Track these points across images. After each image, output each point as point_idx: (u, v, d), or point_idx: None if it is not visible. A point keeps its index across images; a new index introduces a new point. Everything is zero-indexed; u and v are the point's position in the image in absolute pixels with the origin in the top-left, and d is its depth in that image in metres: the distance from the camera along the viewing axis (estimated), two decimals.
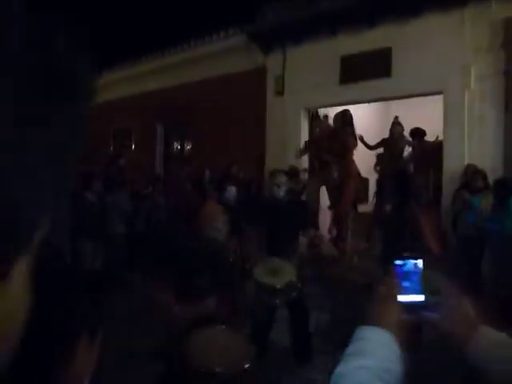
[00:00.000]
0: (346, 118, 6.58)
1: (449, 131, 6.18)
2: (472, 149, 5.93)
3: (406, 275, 0.87)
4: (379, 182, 6.94)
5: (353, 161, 6.56)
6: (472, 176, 5.45)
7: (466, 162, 5.82)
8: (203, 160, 7.75)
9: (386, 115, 8.47)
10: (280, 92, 7.54)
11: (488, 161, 5.66)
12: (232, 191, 6.30)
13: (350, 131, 6.54)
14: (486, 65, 5.83)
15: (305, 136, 7.40)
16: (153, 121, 9.57)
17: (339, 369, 0.75)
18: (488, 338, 0.84)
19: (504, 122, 5.75)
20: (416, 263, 0.88)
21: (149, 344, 2.65)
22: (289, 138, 7.05)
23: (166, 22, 8.29)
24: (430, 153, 6.63)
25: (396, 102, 7.00)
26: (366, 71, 6.66)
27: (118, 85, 9.93)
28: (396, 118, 7.04)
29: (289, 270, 3.34)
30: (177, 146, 9.75)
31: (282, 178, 4.00)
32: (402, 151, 6.87)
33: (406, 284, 0.86)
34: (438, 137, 6.58)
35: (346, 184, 6.42)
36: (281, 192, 3.92)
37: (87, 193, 5.59)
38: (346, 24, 6.79)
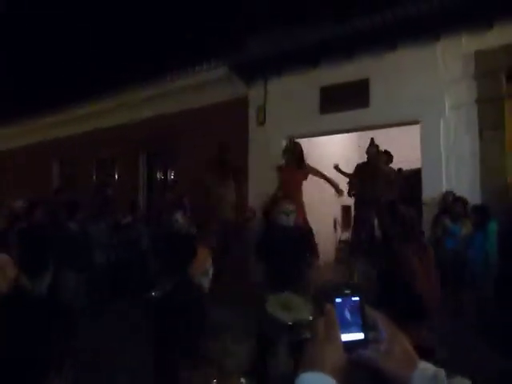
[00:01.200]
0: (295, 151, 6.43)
1: (426, 159, 6.35)
2: (449, 176, 6.08)
3: (346, 312, 0.83)
4: (356, 209, 6.99)
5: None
6: (452, 203, 5.58)
7: (443, 189, 5.97)
8: (186, 189, 7.77)
9: (366, 144, 8.65)
10: (261, 122, 7.68)
11: (465, 187, 5.81)
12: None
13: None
14: (460, 94, 6.06)
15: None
16: (136, 150, 9.60)
17: None
18: (427, 374, 0.80)
19: (479, 149, 5.94)
20: (356, 300, 0.84)
21: None
22: (271, 167, 7.13)
23: (148, 54, 8.41)
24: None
25: (376, 130, 7.15)
26: (345, 101, 6.85)
27: (100, 115, 9.98)
28: (372, 139, 7.08)
29: (304, 305, 3.00)
30: (160, 175, 9.77)
31: (290, 206, 3.83)
32: (378, 175, 6.81)
33: (345, 322, 0.82)
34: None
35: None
36: (290, 221, 3.76)
37: (70, 223, 5.54)
38: (325, 56, 7.01)
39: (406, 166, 7.75)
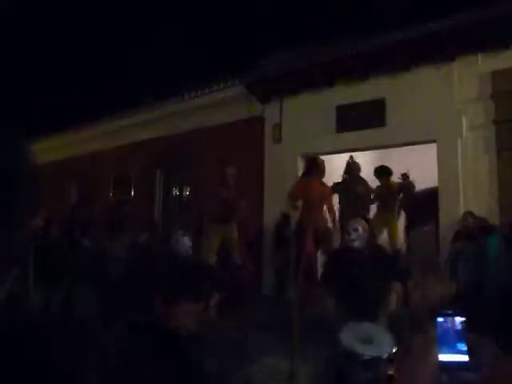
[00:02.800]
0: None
1: (442, 179, 6.28)
2: (467, 196, 6.00)
3: (448, 333, 0.79)
4: None
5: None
6: (477, 224, 5.45)
7: (461, 210, 5.88)
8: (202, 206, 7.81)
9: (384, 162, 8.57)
10: (277, 140, 7.71)
11: (483, 209, 5.71)
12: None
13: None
14: (477, 114, 6.02)
15: None
16: (152, 168, 9.70)
17: None
18: None
19: (497, 169, 5.86)
20: (457, 322, 0.81)
21: None
22: (287, 185, 7.13)
23: (165, 71, 8.58)
24: (395, 192, 6.75)
25: (394, 149, 7.11)
26: (361, 121, 6.85)
27: (117, 133, 10.14)
28: (351, 157, 6.93)
29: (385, 337, 2.62)
30: (176, 192, 9.84)
31: (355, 224, 3.51)
32: (359, 195, 6.65)
33: (447, 342, 0.79)
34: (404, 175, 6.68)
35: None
36: (360, 241, 3.45)
37: (84, 240, 5.60)
38: (341, 75, 7.05)
39: (422, 186, 7.66)
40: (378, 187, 6.91)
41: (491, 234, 5.02)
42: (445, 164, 6.28)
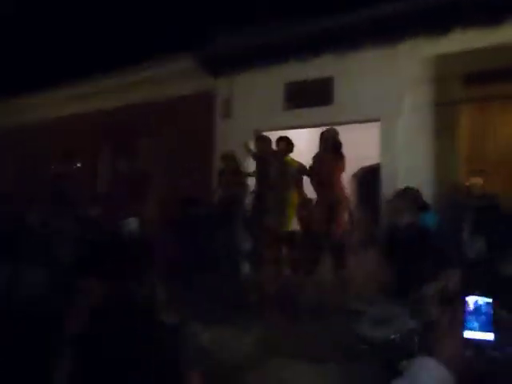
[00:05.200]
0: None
1: (384, 156, 6.60)
2: (405, 173, 6.34)
3: (476, 312, 0.86)
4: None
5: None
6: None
7: (399, 186, 6.22)
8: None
9: None
10: (228, 115, 7.72)
11: (419, 185, 6.06)
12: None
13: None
14: (419, 96, 6.31)
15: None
16: (98, 141, 9.43)
17: None
18: None
19: (434, 148, 6.23)
20: (486, 301, 0.87)
21: None
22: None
23: (114, 42, 8.26)
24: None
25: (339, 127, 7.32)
26: (309, 98, 7.00)
27: (62, 103, 9.73)
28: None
29: (404, 315, 2.62)
30: (122, 166, 9.64)
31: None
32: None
33: (475, 321, 0.85)
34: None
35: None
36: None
37: (30, 216, 5.42)
38: (292, 53, 7.12)
39: (367, 163, 7.99)
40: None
41: (426, 210, 5.40)
42: (387, 142, 6.59)
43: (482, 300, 0.87)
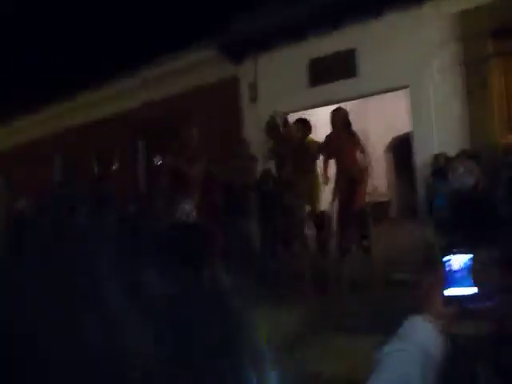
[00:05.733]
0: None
1: (416, 123, 6.47)
2: (440, 138, 6.20)
3: (456, 269, 0.93)
4: None
5: None
6: (446, 163, 5.68)
7: (435, 152, 6.09)
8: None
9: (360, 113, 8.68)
10: (253, 99, 7.77)
11: (455, 149, 5.92)
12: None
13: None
14: (447, 57, 6.12)
15: None
16: (134, 139, 9.70)
17: (384, 348, 0.86)
18: None
19: (467, 110, 6.05)
20: (465, 258, 0.91)
21: None
22: (265, 142, 7.26)
23: (134, 40, 8.43)
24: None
25: (363, 103, 7.21)
26: (333, 73, 6.93)
27: (94, 106, 10.04)
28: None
29: None
30: (157, 160, 9.86)
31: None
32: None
33: (456, 278, 0.89)
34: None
35: None
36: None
37: (79, 218, 5.66)
38: (312, 28, 7.05)
39: (397, 132, 7.86)
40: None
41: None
42: (418, 108, 6.44)
43: (465, 256, 0.92)
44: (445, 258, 0.93)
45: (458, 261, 0.91)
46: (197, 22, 7.51)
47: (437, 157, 5.95)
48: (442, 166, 5.74)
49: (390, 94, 7.25)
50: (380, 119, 7.32)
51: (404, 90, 6.67)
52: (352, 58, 6.79)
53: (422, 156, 6.34)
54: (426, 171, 6.10)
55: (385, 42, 6.51)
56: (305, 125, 6.31)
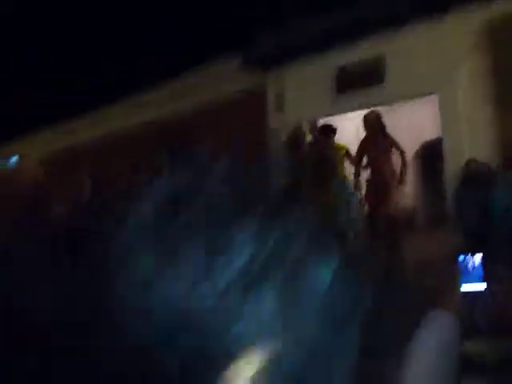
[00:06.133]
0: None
1: (446, 130, 6.44)
2: (470, 145, 6.15)
3: (469, 268, 1.00)
4: None
5: None
6: (480, 170, 5.63)
7: (465, 159, 6.04)
8: None
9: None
10: (281, 108, 7.85)
11: (485, 155, 5.87)
12: None
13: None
14: (476, 64, 6.11)
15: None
16: (159, 152, 9.81)
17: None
18: None
19: (498, 116, 6.01)
20: (476, 257, 1.01)
21: None
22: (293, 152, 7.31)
23: (161, 51, 8.58)
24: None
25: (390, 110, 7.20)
26: (361, 80, 6.97)
27: (120, 117, 10.22)
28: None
29: None
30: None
31: None
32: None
33: (468, 275, 1.00)
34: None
35: None
36: None
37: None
38: (339, 38, 7.11)
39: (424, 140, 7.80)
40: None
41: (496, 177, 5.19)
42: (446, 115, 6.42)
43: (476, 256, 0.98)
44: (460, 257, 0.98)
45: (471, 260, 0.98)
46: (223, 34, 7.63)
47: (468, 163, 5.89)
48: (473, 174, 5.69)
49: (417, 101, 7.23)
50: (407, 126, 7.28)
51: (432, 97, 6.64)
52: (381, 65, 6.83)
53: (452, 162, 6.30)
54: (456, 179, 6.06)
55: (412, 50, 6.52)
56: (331, 130, 6.36)
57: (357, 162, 6.17)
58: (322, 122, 7.59)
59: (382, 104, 7.32)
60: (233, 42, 7.58)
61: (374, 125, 5.81)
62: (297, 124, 6.97)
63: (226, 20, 7.49)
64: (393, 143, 5.90)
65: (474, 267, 0.98)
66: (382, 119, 5.92)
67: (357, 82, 7.05)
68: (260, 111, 8.02)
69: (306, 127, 7.44)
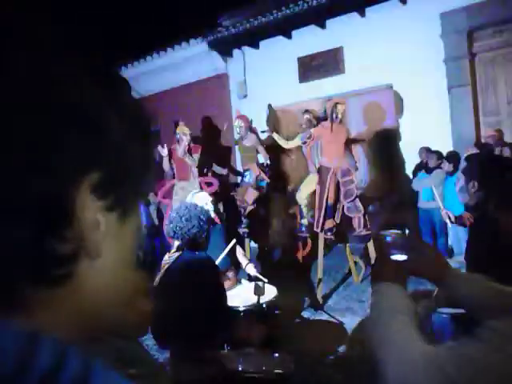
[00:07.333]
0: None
1: (401, 118, 6.78)
2: (425, 133, 6.51)
3: (393, 240, 1.18)
4: None
5: None
6: (427, 156, 6.00)
7: (418, 147, 6.41)
8: None
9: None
10: (244, 95, 7.95)
11: (439, 143, 6.25)
12: None
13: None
14: (429, 55, 6.44)
15: None
16: None
17: (373, 317, 1.02)
18: (457, 275, 1.12)
19: (449, 106, 6.39)
20: (398, 232, 1.17)
21: None
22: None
23: (124, 35, 8.47)
24: None
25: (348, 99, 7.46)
26: (321, 70, 7.19)
27: None
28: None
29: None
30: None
31: None
32: None
33: (394, 249, 1.16)
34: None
35: None
36: None
37: None
38: (299, 27, 7.28)
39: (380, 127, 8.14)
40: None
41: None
42: (401, 104, 6.76)
43: (395, 231, 1.21)
44: (384, 233, 1.19)
45: (392, 235, 1.19)
46: (187, 18, 7.63)
47: (421, 151, 6.26)
48: (425, 160, 6.07)
49: (375, 91, 7.52)
50: (365, 115, 7.57)
51: (389, 87, 6.95)
52: (339, 55, 7.07)
53: (407, 149, 6.66)
54: (411, 165, 6.43)
55: (369, 41, 6.79)
56: (311, 115, 6.53)
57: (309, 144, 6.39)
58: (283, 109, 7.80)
59: (342, 93, 7.57)
60: (198, 27, 7.60)
61: (332, 112, 6.01)
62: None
63: (190, 4, 7.50)
64: (348, 133, 6.16)
65: (396, 241, 1.18)
66: (341, 107, 6.13)
67: (318, 72, 7.27)
68: (224, 96, 8.10)
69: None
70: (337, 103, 5.41)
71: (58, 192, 0.33)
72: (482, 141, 6.07)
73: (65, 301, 0.35)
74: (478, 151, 4.97)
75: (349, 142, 5.85)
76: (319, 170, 5.47)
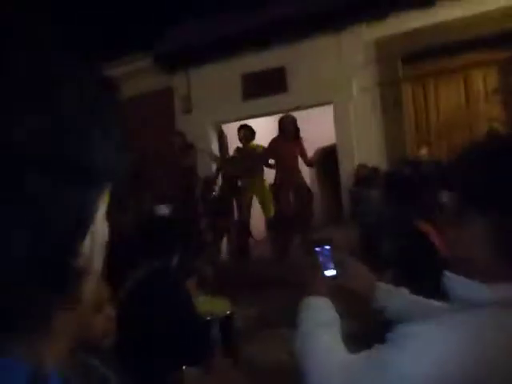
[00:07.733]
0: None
1: (339, 137, 7.11)
2: (361, 151, 6.86)
3: (323, 256, 1.23)
4: None
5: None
6: (368, 172, 6.31)
7: (356, 163, 6.73)
8: None
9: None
10: (188, 110, 7.99)
11: (374, 161, 6.59)
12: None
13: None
14: (365, 78, 6.82)
15: (215, 150, 7.98)
16: None
17: (300, 329, 1.06)
18: (384, 289, 1.20)
19: (383, 127, 6.79)
20: (328, 247, 1.20)
21: None
22: (200, 154, 7.49)
23: (74, 45, 8.23)
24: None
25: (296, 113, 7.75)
26: (265, 87, 7.39)
27: None
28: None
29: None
30: None
31: None
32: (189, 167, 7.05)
33: (324, 263, 1.17)
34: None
35: None
36: None
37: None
38: (244, 45, 7.46)
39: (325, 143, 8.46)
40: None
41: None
42: (340, 123, 7.08)
43: (325, 247, 1.25)
44: (317, 249, 1.23)
45: (324, 249, 1.23)
46: (134, 32, 7.56)
47: (359, 168, 6.58)
48: (363, 176, 6.38)
49: (317, 109, 7.83)
50: (308, 133, 7.83)
51: (329, 106, 7.26)
52: (282, 74, 7.31)
53: (345, 167, 6.97)
54: (350, 181, 6.73)
55: (312, 61, 7.08)
56: (250, 130, 6.79)
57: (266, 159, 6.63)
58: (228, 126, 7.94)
59: (285, 111, 7.83)
60: (143, 41, 7.55)
61: (288, 127, 6.31)
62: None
63: (137, 17, 7.43)
64: (302, 148, 6.45)
65: (327, 256, 1.23)
66: (297, 123, 6.48)
67: (261, 89, 7.46)
68: (168, 111, 8.09)
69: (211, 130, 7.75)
70: None
71: (87, 202, 0.30)
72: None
73: (67, 321, 0.34)
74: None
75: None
76: None
